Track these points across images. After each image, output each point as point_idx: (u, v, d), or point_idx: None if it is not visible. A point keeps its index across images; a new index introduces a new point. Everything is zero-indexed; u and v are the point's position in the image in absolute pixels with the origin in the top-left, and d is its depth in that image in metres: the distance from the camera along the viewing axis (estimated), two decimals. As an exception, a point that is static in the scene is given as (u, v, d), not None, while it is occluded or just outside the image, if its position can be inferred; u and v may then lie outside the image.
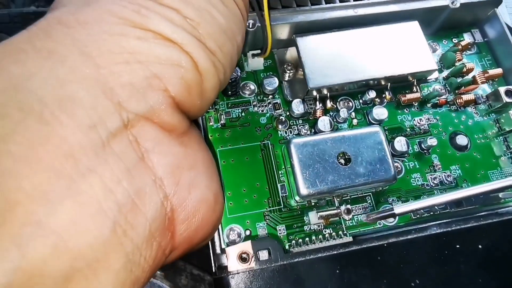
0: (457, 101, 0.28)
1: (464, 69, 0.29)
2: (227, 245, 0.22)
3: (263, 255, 0.20)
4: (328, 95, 0.27)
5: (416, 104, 0.29)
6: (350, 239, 0.23)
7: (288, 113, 0.27)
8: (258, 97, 0.27)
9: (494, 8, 0.30)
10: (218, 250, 0.21)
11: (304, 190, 0.23)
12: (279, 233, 0.24)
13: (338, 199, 0.25)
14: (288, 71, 0.28)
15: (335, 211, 0.24)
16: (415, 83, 0.28)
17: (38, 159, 0.13)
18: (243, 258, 0.20)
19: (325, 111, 0.27)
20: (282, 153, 0.26)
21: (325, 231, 0.24)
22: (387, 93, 0.28)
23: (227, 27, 0.18)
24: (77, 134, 0.14)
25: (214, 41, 0.17)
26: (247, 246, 0.20)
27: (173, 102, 0.17)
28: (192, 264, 0.31)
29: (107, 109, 0.15)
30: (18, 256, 0.12)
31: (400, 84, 0.28)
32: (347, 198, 0.25)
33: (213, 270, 0.21)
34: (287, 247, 0.23)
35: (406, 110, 0.28)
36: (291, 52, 0.29)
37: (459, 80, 0.29)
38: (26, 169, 0.13)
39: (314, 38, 0.27)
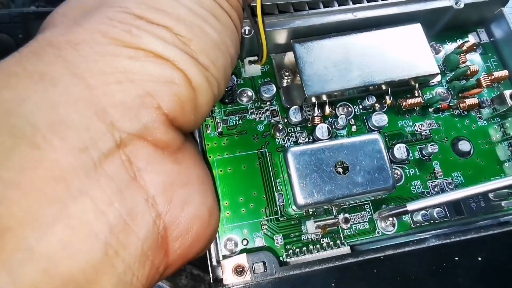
0: (460, 105, 0.28)
1: (468, 72, 0.28)
2: (224, 257, 0.22)
3: (259, 268, 0.20)
4: (327, 101, 0.26)
5: (417, 109, 0.28)
6: (347, 249, 0.23)
7: (286, 120, 0.27)
8: (256, 104, 0.27)
9: (501, 7, 0.29)
10: (214, 262, 0.22)
11: (301, 200, 0.23)
12: (276, 243, 0.24)
13: (336, 208, 0.25)
14: (286, 77, 0.27)
15: (333, 221, 0.24)
16: (416, 87, 0.28)
17: (29, 184, 0.13)
18: (238, 271, 0.20)
19: (324, 118, 0.27)
20: (280, 162, 0.25)
21: (322, 241, 0.24)
22: (387, 97, 0.27)
23: (220, 41, 0.18)
24: (68, 157, 0.14)
25: (206, 56, 0.17)
26: (242, 259, 0.20)
27: (167, 119, 0.17)
28: (192, 264, 0.31)
29: (99, 130, 0.15)
30: (9, 281, 0.12)
31: (401, 88, 0.28)
32: (345, 206, 0.25)
33: (210, 281, 0.21)
34: (284, 256, 0.23)
35: (407, 115, 0.28)
36: (289, 57, 0.29)
37: (462, 83, 0.28)
38: (17, 195, 0.13)
39: (312, 43, 0.26)
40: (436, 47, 0.30)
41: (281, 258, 0.23)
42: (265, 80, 0.28)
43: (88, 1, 0.18)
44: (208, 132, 0.26)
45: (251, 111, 0.27)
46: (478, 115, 0.28)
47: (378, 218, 0.24)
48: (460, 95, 0.28)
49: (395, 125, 0.27)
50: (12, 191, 0.13)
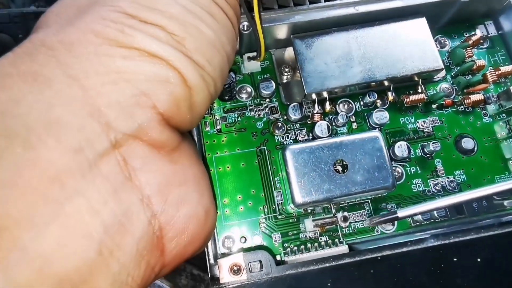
0: (465, 102, 0.27)
1: (474, 67, 0.27)
2: (223, 255, 0.22)
3: (255, 267, 0.20)
4: (327, 97, 0.26)
5: (420, 105, 0.27)
6: (345, 248, 0.23)
7: (285, 117, 0.27)
8: (255, 101, 0.27)
9: (510, -1, 0.28)
10: (212, 260, 0.22)
11: (299, 199, 0.22)
12: (274, 241, 0.24)
13: (335, 206, 0.25)
14: (285, 73, 0.27)
15: (331, 219, 0.24)
16: (420, 83, 0.27)
17: (24, 184, 0.13)
18: (235, 270, 0.20)
19: (324, 115, 0.26)
20: (279, 160, 0.25)
21: (320, 239, 0.24)
22: (389, 94, 0.27)
23: (215, 39, 0.18)
24: (63, 157, 0.14)
25: (202, 55, 0.17)
26: (238, 258, 0.20)
27: (162, 118, 0.17)
28: (192, 264, 0.32)
29: (94, 130, 0.15)
30: (4, 280, 0.12)
31: (404, 84, 0.27)
32: (344, 205, 0.25)
33: (208, 281, 0.21)
34: (282, 255, 0.24)
35: (410, 112, 0.27)
36: (289, 52, 0.28)
37: (468, 78, 0.28)
38: (12, 194, 0.13)
39: (312, 38, 0.25)
40: (442, 41, 0.29)
41: (279, 257, 0.23)
42: (265, 76, 0.27)
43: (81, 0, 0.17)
44: (207, 129, 0.26)
45: (250, 108, 0.27)
46: (483, 111, 0.27)
47: (369, 224, 0.24)
48: (465, 91, 0.28)
49: (397, 122, 0.27)
50: (8, 190, 0.13)
